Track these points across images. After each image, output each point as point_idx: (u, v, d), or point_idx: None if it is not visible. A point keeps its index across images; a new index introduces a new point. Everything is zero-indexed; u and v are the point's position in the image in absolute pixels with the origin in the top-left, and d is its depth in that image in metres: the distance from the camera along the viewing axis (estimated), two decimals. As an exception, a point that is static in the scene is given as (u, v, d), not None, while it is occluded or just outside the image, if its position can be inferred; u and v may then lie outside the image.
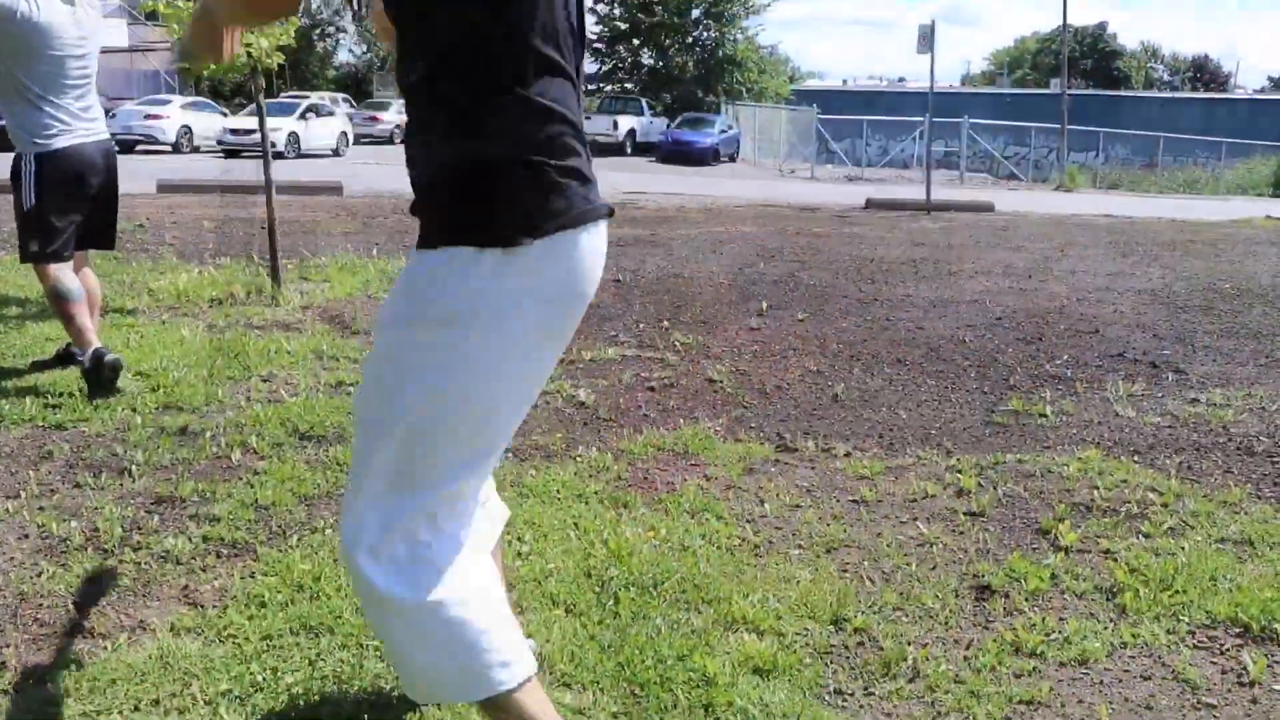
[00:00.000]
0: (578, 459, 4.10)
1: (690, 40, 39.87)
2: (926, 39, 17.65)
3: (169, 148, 27.68)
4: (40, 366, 5.13)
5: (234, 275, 7.74)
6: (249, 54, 6.49)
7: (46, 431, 4.26)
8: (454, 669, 1.91)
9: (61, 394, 4.69)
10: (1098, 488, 3.93)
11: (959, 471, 4.07)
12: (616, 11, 39.82)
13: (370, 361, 1.95)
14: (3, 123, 5.12)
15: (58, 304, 4.81)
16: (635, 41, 40.28)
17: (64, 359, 5.14)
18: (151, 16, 6.43)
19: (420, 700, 2.07)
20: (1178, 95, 56.46)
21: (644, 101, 37.40)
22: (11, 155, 4.86)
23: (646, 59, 40.65)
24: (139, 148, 26.94)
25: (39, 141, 4.77)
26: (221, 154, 26.65)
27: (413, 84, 1.85)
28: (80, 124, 4.87)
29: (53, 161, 4.78)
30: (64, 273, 4.83)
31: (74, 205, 4.89)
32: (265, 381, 5.05)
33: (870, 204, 17.60)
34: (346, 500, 1.96)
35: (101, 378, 4.68)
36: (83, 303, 4.85)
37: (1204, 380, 5.66)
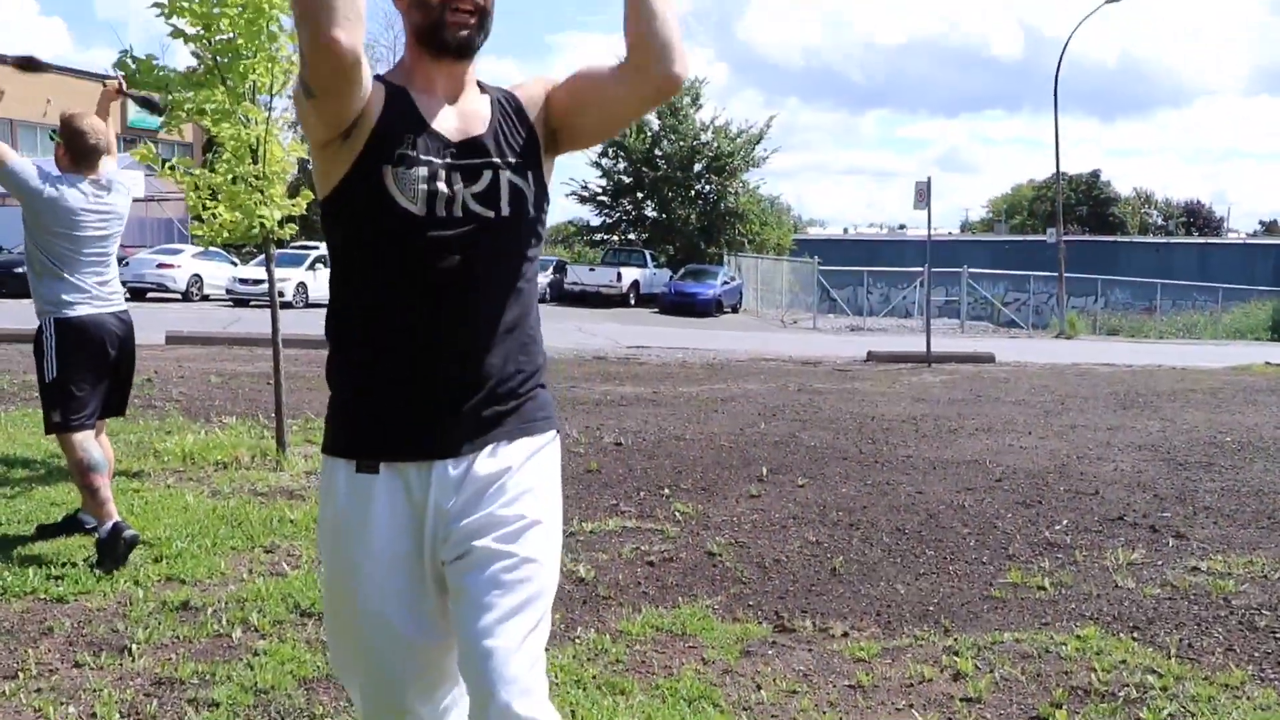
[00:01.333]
0: (576, 641, 4.10)
1: (693, 193, 40.67)
2: (924, 195, 18.13)
3: (179, 296, 28.17)
4: (46, 532, 5.16)
5: (239, 437, 7.82)
6: (262, 224, 6.71)
7: (48, 605, 4.28)
8: None
9: (65, 563, 4.72)
10: (1095, 669, 3.91)
11: (956, 653, 4.05)
12: (620, 165, 40.75)
13: (542, 542, 2.08)
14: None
15: (82, 475, 4.86)
16: (639, 194, 41.13)
17: (71, 524, 5.18)
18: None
19: None
20: (1173, 240, 57.42)
21: (647, 253, 37.88)
22: (27, 298, 5.01)
23: (650, 211, 41.37)
24: (149, 295, 27.39)
25: (58, 310, 4.91)
26: (231, 303, 27.06)
27: (521, 307, 2.13)
28: (99, 296, 5.03)
29: (72, 330, 4.91)
30: (88, 442, 4.89)
31: (95, 375, 5.00)
32: (268, 553, 5.08)
33: (871, 357, 17.78)
34: (512, 670, 1.96)
35: (116, 552, 4.70)
36: (105, 474, 4.90)
37: (1205, 546, 5.67)
